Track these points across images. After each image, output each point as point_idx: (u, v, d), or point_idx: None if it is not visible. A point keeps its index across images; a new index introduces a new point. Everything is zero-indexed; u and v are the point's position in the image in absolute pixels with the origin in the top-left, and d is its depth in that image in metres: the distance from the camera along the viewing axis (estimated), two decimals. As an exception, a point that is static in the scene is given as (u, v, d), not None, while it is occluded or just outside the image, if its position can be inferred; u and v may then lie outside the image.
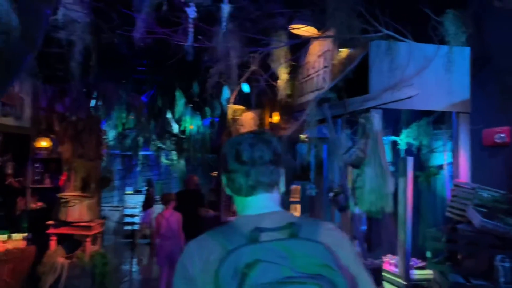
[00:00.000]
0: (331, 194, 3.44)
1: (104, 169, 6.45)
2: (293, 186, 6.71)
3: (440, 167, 4.10)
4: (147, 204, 10.65)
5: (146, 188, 11.88)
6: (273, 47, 3.83)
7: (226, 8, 2.83)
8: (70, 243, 5.27)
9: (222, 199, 8.64)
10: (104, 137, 6.62)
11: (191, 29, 2.82)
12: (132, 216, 12.63)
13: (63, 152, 5.61)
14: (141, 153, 12.81)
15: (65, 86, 5.61)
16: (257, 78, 4.72)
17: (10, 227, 5.75)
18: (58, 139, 5.64)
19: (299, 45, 4.75)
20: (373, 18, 3.44)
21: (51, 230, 5.16)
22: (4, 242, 5.11)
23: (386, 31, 3.42)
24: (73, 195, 5.24)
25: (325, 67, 4.36)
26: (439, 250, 3.16)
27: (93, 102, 6.80)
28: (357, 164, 3.33)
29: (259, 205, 1.20)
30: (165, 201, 5.27)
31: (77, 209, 5.06)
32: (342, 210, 3.48)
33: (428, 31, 3.49)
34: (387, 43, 3.37)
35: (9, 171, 5.42)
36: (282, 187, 1.26)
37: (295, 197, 6.95)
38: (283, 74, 4.28)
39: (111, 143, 10.69)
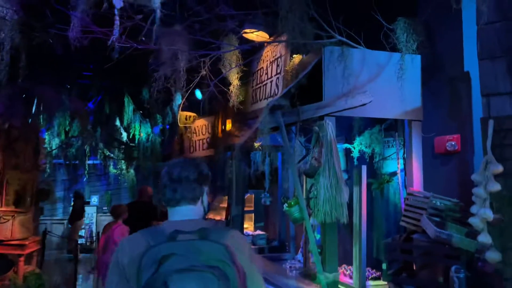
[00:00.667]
0: (285, 205, 3.29)
1: (43, 181, 5.95)
2: (247, 195, 6.55)
3: (393, 174, 4.09)
4: (75, 217, 10.18)
5: (73, 200, 11.31)
6: (224, 51, 3.64)
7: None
8: (3, 263, 4.76)
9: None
10: (43, 146, 6.11)
11: (117, 21, 2.57)
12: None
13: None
14: (88, 162, 12.16)
15: (-3, 91, 5.12)
16: (208, 83, 4.52)
17: None
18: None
19: (252, 51, 4.60)
20: (326, 24, 3.35)
21: (-23, 250, 4.65)
22: None
23: (339, 37, 3.34)
24: (4, 211, 4.76)
25: (278, 73, 4.24)
26: (394, 260, 3.09)
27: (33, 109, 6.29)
28: (312, 174, 3.21)
29: (182, 214, 1.55)
30: (116, 214, 4.79)
31: (9, 226, 4.58)
32: (296, 221, 3.34)
33: (380, 38, 3.46)
34: (340, 49, 3.29)
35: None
36: (205, 201, 1.61)
37: (250, 206, 6.79)
38: (234, 80, 4.10)
39: (54, 152, 10.06)
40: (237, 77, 4.10)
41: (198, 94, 6.92)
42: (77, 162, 11.55)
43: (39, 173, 5.79)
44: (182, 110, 7.59)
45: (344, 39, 3.35)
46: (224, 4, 3.41)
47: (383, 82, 3.38)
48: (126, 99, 9.22)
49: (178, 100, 7.61)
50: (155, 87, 3.17)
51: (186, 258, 1.31)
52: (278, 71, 4.19)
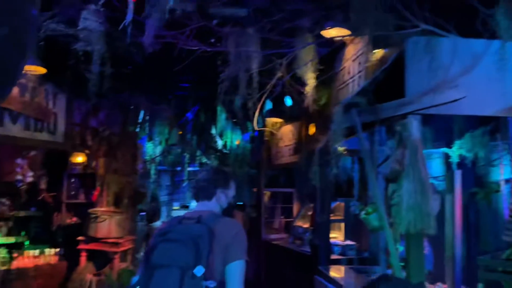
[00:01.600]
0: (363, 213, 3.01)
1: (139, 185, 6.40)
2: (336, 203, 6.26)
3: (501, 182, 3.52)
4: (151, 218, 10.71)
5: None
6: (300, 47, 3.48)
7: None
8: (100, 260, 5.19)
9: (262, 215, 8.33)
10: (140, 152, 6.58)
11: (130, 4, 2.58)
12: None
13: (97, 167, 5.61)
14: (189, 169, 12.83)
15: (99, 101, 5.64)
16: (287, 87, 4.41)
17: (47, 242, 5.81)
18: (91, 154, 5.65)
19: (334, 51, 4.38)
20: (409, 12, 3.02)
21: (81, 246, 5.11)
22: (35, 257, 5.13)
23: (424, 26, 2.98)
24: (103, 211, 5.18)
25: (359, 71, 3.96)
26: (494, 282, 2.62)
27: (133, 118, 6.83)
28: (393, 178, 2.89)
29: (200, 207, 2.09)
30: None
31: (106, 225, 4.97)
32: (374, 230, 3.03)
33: (475, 25, 3.01)
34: (426, 39, 2.93)
35: (43, 186, 5.48)
36: (221, 199, 2.13)
37: (338, 215, 6.47)
38: (312, 80, 3.93)
39: (158, 159, 10.81)
40: (316, 78, 3.92)
41: (288, 100, 6.85)
42: (179, 168, 12.29)
43: (136, 177, 6.22)
44: (270, 117, 7.57)
45: (431, 27, 2.98)
46: (300, 1, 3.29)
47: (480, 74, 2.93)
48: (218, 108, 9.54)
49: (268, 106, 7.64)
50: (222, 88, 3.16)
51: (176, 233, 1.86)
52: (360, 69, 3.92)
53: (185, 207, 13.27)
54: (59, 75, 5.00)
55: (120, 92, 5.78)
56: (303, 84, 3.94)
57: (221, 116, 9.73)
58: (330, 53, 4.33)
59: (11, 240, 5.69)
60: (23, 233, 5.93)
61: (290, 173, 7.82)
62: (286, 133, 7.19)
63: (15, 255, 5.12)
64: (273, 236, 7.54)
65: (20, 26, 2.09)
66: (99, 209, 5.28)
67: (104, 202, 5.50)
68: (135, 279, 1.84)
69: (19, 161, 5.18)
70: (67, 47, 3.55)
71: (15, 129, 4.70)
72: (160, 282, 1.76)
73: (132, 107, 6.16)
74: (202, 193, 2.09)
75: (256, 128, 5.59)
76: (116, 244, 5.03)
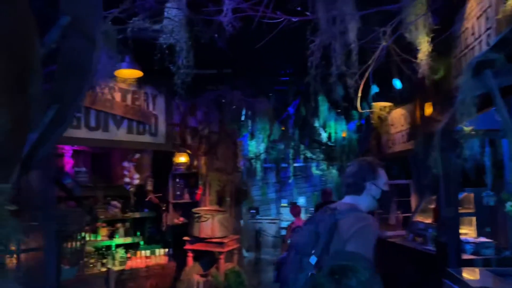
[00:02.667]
0: (509, 204, 2.29)
1: (242, 182, 6.25)
2: (464, 194, 5.36)
3: None
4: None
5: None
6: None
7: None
8: (207, 260, 5.10)
9: (375, 210, 7.63)
10: (240, 149, 6.43)
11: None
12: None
13: (199, 166, 5.56)
14: (295, 164, 12.55)
15: (197, 100, 5.60)
16: (394, 59, 3.76)
17: (159, 242, 5.97)
18: (192, 153, 5.63)
19: (450, 11, 3.61)
20: None
21: (187, 246, 5.08)
22: (147, 258, 5.24)
23: None
24: (205, 210, 5.08)
25: (488, 28, 3.16)
26: None
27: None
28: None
29: (345, 200, 2.17)
30: (293, 213, 4.71)
31: (209, 225, 4.86)
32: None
33: None
34: None
35: (149, 187, 5.60)
36: (373, 192, 2.13)
37: (469, 207, 5.53)
38: (425, 47, 3.23)
39: (262, 156, 10.74)
40: (429, 42, 3.21)
41: (397, 83, 6.14)
42: (285, 165, 12.11)
43: (238, 175, 6.07)
44: (377, 101, 6.87)
45: None
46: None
47: None
48: (320, 98, 9.03)
49: (374, 89, 6.94)
50: (313, 61, 2.70)
51: (309, 223, 2.11)
52: (488, 25, 3.12)
53: (293, 204, 13.05)
54: (157, 77, 5.06)
55: (218, 90, 5.69)
56: (414, 53, 3.27)
57: (323, 106, 9.18)
58: (447, 13, 3.57)
59: (128, 240, 5.96)
60: (138, 233, 6.19)
61: (405, 162, 7.03)
62: (397, 117, 6.42)
63: (128, 255, 5.33)
64: (388, 233, 6.81)
65: (84, 15, 1.96)
66: (201, 209, 5.21)
67: (207, 201, 5.42)
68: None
69: (125, 164, 5.37)
70: (159, 47, 3.46)
71: (119, 134, 4.84)
72: (289, 263, 2.04)
73: (231, 104, 6.02)
74: (350, 188, 2.14)
75: (360, 110, 4.98)
76: (220, 244, 4.89)
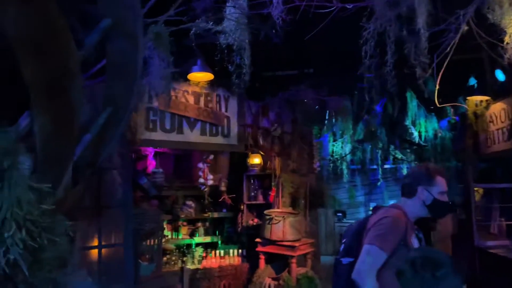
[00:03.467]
0: None
1: (318, 185, 6.02)
2: None
3: None
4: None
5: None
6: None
7: None
8: (279, 263, 4.99)
9: (473, 217, 6.82)
10: (317, 150, 6.21)
11: None
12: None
13: (273, 167, 5.49)
14: (385, 166, 11.90)
15: (269, 101, 5.53)
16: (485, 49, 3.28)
17: (236, 243, 6.01)
18: (265, 154, 5.57)
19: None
20: None
21: (259, 248, 5.02)
22: (221, 257, 5.30)
23: None
24: (277, 212, 4.98)
25: None
26: None
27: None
28: None
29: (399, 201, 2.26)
30: (373, 211, 4.36)
31: (280, 227, 4.74)
32: None
33: None
34: None
35: (223, 188, 5.66)
36: (424, 196, 2.14)
37: None
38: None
39: (348, 157, 10.36)
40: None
41: (499, 74, 5.50)
42: (374, 167, 11.55)
43: (313, 176, 5.87)
44: (471, 95, 6.20)
45: None
46: None
47: None
48: (408, 94, 8.40)
49: (470, 82, 6.31)
50: (368, 50, 2.42)
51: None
52: None
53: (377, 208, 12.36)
54: (228, 79, 5.10)
55: (291, 89, 5.57)
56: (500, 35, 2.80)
57: (412, 103, 8.53)
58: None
59: (208, 239, 6.12)
60: (217, 233, 6.33)
61: (509, 163, 6.20)
62: (497, 112, 5.70)
63: (203, 254, 5.45)
64: (490, 243, 6.08)
65: (123, 16, 1.98)
66: (273, 211, 5.12)
67: (280, 203, 5.32)
68: None
69: (200, 165, 5.49)
70: (226, 48, 3.47)
71: (193, 136, 4.97)
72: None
73: (304, 104, 5.85)
74: (404, 190, 2.18)
75: (438, 104, 4.49)
76: (291, 248, 4.74)
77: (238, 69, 3.17)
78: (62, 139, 1.89)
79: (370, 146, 9.93)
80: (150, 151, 5.88)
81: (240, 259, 5.36)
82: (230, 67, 3.12)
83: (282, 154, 5.53)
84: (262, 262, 4.97)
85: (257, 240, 5.03)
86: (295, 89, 5.31)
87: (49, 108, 1.76)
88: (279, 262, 4.98)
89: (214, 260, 5.27)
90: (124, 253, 4.32)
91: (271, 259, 5.05)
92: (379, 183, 12.13)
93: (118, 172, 4.40)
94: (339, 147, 10.24)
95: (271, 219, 4.79)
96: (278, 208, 5.26)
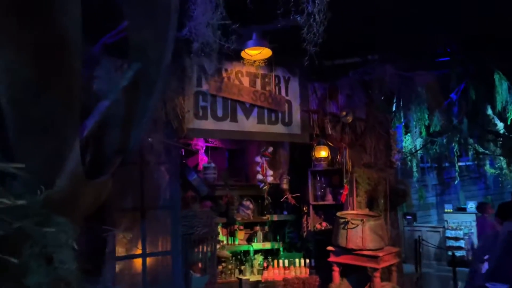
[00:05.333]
0: None
1: (399, 181, 5.03)
2: None
3: None
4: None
5: None
6: None
7: None
8: (358, 277, 4.09)
9: None
10: (395, 140, 5.22)
11: None
12: (455, 239, 10.50)
13: (343, 161, 4.60)
14: (459, 164, 10.51)
15: (338, 82, 4.66)
16: None
17: (300, 250, 5.19)
18: (335, 145, 4.70)
19: None
20: None
21: (331, 258, 4.15)
22: (285, 268, 4.49)
23: None
24: (353, 214, 4.09)
25: None
26: None
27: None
28: None
29: None
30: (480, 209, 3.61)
31: (359, 233, 3.84)
32: None
33: None
34: None
35: (285, 186, 4.85)
36: None
37: None
38: None
39: (419, 153, 9.21)
40: None
41: None
42: (446, 164, 10.28)
43: (392, 172, 4.89)
44: None
45: None
46: None
47: None
48: (496, 77, 7.14)
49: None
50: None
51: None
52: None
53: (461, 209, 10.91)
54: (289, 58, 4.33)
55: (363, 66, 4.66)
56: None
57: (501, 86, 7.24)
58: None
59: (267, 246, 5.37)
60: (278, 238, 5.56)
61: None
62: None
63: (264, 264, 4.68)
64: None
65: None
66: (348, 213, 4.24)
67: (354, 204, 4.42)
68: None
69: (257, 159, 4.73)
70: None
71: (248, 124, 4.21)
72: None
73: (381, 83, 4.90)
74: None
75: None
76: (374, 258, 3.82)
77: (309, 22, 2.37)
78: (50, 96, 1.19)
79: (445, 139, 8.70)
80: (201, 145, 5.21)
81: (308, 270, 4.51)
82: (298, 18, 2.30)
83: (355, 145, 4.63)
84: (336, 275, 4.08)
85: (329, 248, 4.16)
86: (369, 66, 4.40)
87: (23, 35, 1.06)
88: (357, 275, 4.08)
89: (277, 271, 4.47)
90: (172, 263, 3.64)
91: (346, 270, 4.15)
92: (456, 182, 10.74)
93: (164, 168, 3.74)
94: (409, 141, 9.11)
95: (346, 223, 3.91)
96: (352, 209, 4.36)
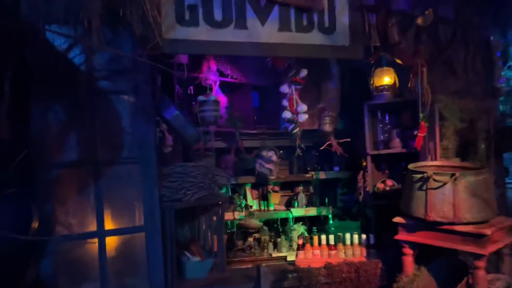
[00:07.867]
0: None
1: (502, 116, 3.31)
2: None
3: None
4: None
5: None
6: None
7: None
8: (445, 264, 2.57)
9: None
10: (498, 56, 3.44)
11: None
12: None
13: (418, 88, 2.98)
14: None
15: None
16: None
17: (357, 218, 3.77)
18: (405, 63, 3.05)
19: None
20: None
21: (400, 235, 2.64)
22: (330, 248, 3.07)
23: None
24: (436, 167, 2.53)
25: None
26: None
27: None
28: None
29: None
30: None
31: (448, 196, 2.30)
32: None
33: None
34: None
35: (327, 127, 3.34)
36: None
37: None
38: None
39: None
40: None
41: None
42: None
43: (495, 102, 3.19)
44: None
45: None
46: None
47: None
48: None
49: None
50: None
51: None
52: None
53: None
54: None
55: None
56: None
57: None
58: None
59: (312, 212, 4.05)
60: (326, 202, 4.17)
61: None
62: None
63: (299, 241, 3.30)
64: None
65: None
66: (428, 164, 2.68)
67: (438, 151, 2.84)
68: None
69: (283, 89, 3.22)
70: None
71: (265, 32, 2.72)
72: None
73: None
74: None
75: None
76: (476, 238, 2.27)
77: None
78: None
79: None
80: (213, 79, 3.82)
81: (364, 250, 3.06)
82: None
83: (436, 62, 2.99)
84: (408, 262, 2.59)
85: (397, 220, 2.65)
86: None
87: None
88: (444, 264, 2.56)
89: (318, 252, 3.06)
90: (146, 242, 2.39)
91: (426, 254, 2.64)
92: None
93: (130, 101, 2.43)
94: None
95: (426, 180, 2.38)
96: (434, 159, 2.79)
